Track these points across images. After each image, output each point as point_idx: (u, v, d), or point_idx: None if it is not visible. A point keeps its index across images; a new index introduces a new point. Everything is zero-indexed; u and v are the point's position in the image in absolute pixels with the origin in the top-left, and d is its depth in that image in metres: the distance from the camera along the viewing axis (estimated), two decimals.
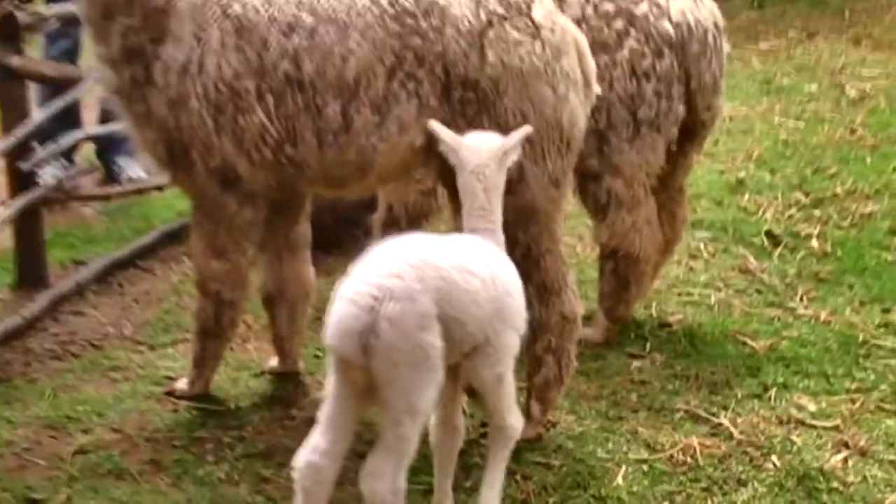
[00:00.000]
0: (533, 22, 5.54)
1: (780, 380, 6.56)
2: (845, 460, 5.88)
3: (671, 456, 5.86)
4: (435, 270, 4.60)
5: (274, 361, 6.57)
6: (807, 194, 8.98)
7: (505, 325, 4.88)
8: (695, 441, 5.96)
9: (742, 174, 9.36)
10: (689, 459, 5.83)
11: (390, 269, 4.56)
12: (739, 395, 6.41)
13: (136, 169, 8.93)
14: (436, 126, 5.28)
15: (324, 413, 4.68)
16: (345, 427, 4.67)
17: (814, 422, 6.20)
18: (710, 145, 8.44)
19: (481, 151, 5.17)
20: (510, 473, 5.36)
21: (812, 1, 14.58)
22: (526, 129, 5.26)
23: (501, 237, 5.13)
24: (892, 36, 13.29)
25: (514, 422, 5.07)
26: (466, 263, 4.73)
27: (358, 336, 4.47)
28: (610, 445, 5.95)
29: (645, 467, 5.77)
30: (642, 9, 6.44)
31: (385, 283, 4.51)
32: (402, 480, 4.59)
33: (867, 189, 9.00)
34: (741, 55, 11.75)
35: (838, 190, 9.01)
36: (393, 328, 4.46)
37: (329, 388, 4.68)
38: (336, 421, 4.66)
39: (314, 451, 4.66)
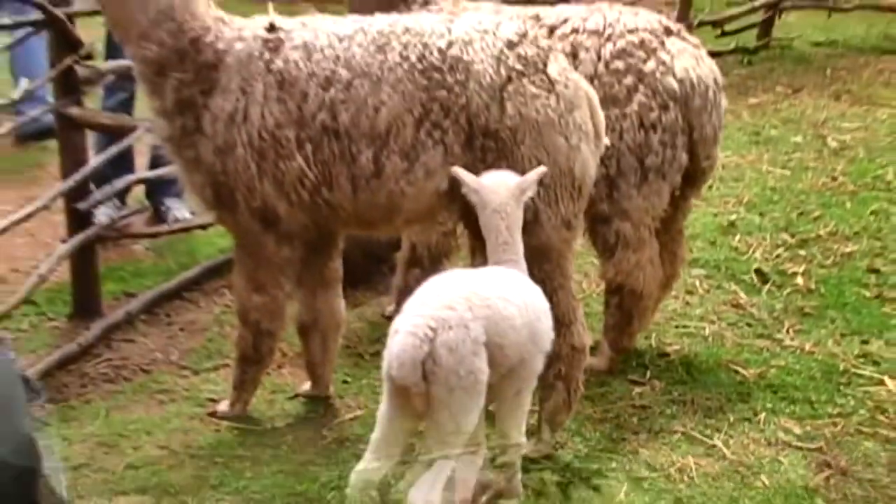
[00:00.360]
0: (548, 77, 5.56)
1: (769, 405, 6.55)
2: (828, 479, 5.87)
3: (669, 474, 5.85)
4: (482, 300, 4.65)
5: (307, 386, 6.58)
6: (792, 236, 8.97)
7: (536, 348, 4.91)
8: (691, 461, 5.96)
9: (734, 217, 9.36)
10: (685, 478, 5.82)
11: (443, 302, 4.61)
12: (731, 419, 6.40)
13: (182, 210, 8.95)
14: (458, 171, 5.31)
15: (376, 436, 4.73)
16: (395, 449, 4.72)
17: (799, 444, 6.19)
18: (704, 191, 8.44)
19: (501, 191, 5.20)
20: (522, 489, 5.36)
21: (797, 60, 14.58)
22: (541, 170, 5.29)
23: (524, 266, 5.16)
24: (869, 92, 13.29)
25: (518, 439, 5.10)
26: (504, 292, 4.77)
27: (419, 364, 4.51)
28: (613, 464, 5.95)
29: (645, 485, 5.77)
30: (650, 66, 6.45)
31: (440, 315, 4.55)
32: (438, 495, 4.62)
33: (847, 231, 8.99)
34: (732, 109, 11.73)
35: (821, 232, 9.00)
36: (451, 354, 4.50)
37: (382, 415, 4.72)
38: (388, 443, 4.70)
39: (368, 469, 4.71)
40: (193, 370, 6.91)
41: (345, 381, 6.71)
